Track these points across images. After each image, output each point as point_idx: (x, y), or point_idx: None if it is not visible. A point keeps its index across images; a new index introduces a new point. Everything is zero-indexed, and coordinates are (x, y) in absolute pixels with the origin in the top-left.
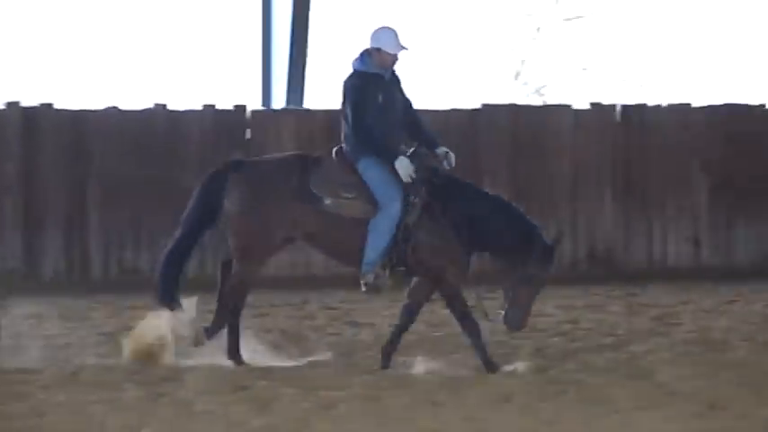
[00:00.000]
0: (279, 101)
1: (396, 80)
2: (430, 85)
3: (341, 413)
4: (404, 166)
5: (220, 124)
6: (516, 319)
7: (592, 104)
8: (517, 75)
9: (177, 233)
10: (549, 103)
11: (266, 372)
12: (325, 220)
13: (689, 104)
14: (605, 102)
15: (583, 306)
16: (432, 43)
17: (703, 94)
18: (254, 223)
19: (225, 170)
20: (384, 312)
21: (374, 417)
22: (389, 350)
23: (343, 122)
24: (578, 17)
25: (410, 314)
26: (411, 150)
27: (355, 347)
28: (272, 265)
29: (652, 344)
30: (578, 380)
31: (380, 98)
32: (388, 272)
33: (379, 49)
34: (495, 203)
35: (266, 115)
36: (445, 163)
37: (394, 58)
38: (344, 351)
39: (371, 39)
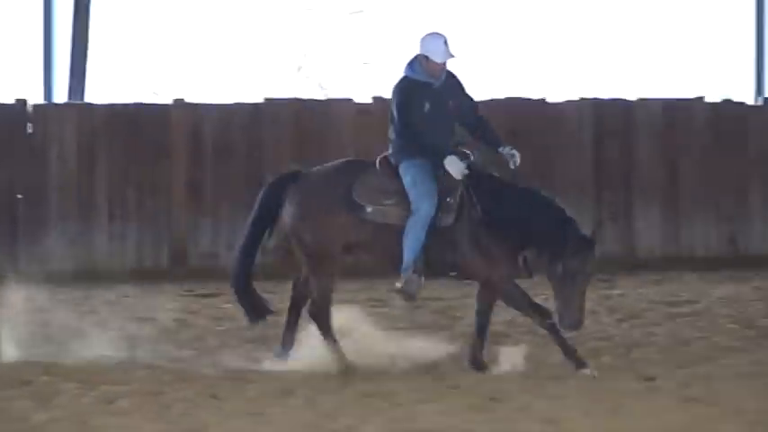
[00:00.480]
0: (61, 95)
1: (451, 85)
2: (213, 80)
3: (122, 408)
4: (455, 164)
5: (1, 118)
6: (571, 320)
7: (374, 98)
8: (299, 68)
9: (245, 233)
10: (332, 96)
11: (49, 367)
12: (370, 229)
13: None
14: (387, 95)
15: (364, 300)
16: (215, 37)
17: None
18: (311, 234)
19: (283, 181)
20: (168, 306)
21: (155, 411)
22: (478, 356)
23: (390, 126)
24: (360, 11)
25: (483, 315)
26: (464, 152)
27: (138, 342)
28: (56, 260)
29: (435, 338)
30: (362, 373)
31: (427, 106)
32: (422, 278)
33: (426, 57)
34: (535, 200)
35: (48, 109)
36: (511, 163)
37: (442, 66)
38: (127, 346)
39: (420, 45)
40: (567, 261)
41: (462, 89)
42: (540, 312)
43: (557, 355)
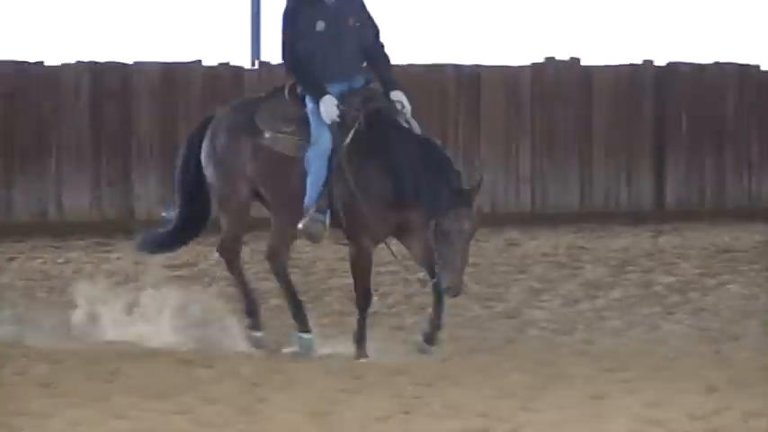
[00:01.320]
0: None
1: (352, 5)
2: None
3: None
4: (327, 106)
5: None
6: (449, 284)
7: None
8: None
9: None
10: None
11: None
12: (269, 160)
13: None
14: None
15: None
16: None
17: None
18: (215, 165)
19: (200, 125)
20: None
21: None
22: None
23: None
24: None
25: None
26: (360, 85)
27: None
28: None
29: None
30: None
31: (321, 25)
32: (327, 217)
33: None
34: (421, 149)
35: None
36: (399, 112)
37: None
38: None
39: None
40: (440, 218)
41: (364, 8)
42: (362, 299)
43: None
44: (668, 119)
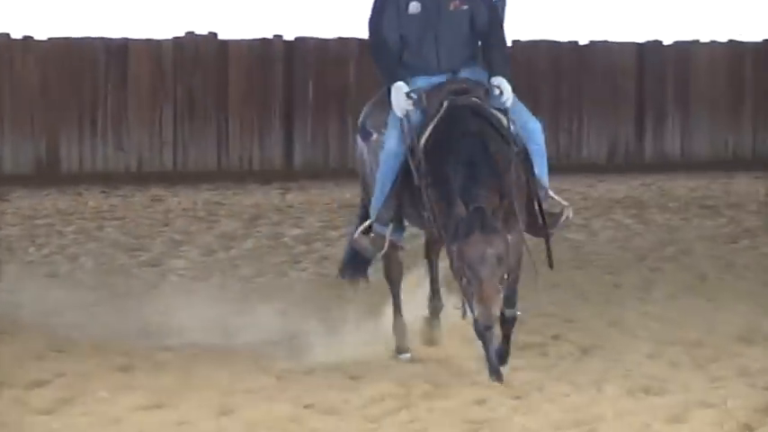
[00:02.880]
0: None
1: None
2: None
3: None
4: (397, 95)
5: None
6: (479, 316)
7: None
8: None
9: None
10: None
11: None
12: (375, 161)
13: None
14: None
15: None
16: None
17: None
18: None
19: None
20: None
21: None
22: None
23: None
24: None
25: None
26: (452, 76)
27: None
28: None
29: None
30: None
31: (415, 6)
32: (389, 231)
33: None
34: (465, 153)
35: None
36: (496, 96)
37: None
38: None
39: None
40: (450, 242)
41: None
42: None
43: None
44: (296, 88)
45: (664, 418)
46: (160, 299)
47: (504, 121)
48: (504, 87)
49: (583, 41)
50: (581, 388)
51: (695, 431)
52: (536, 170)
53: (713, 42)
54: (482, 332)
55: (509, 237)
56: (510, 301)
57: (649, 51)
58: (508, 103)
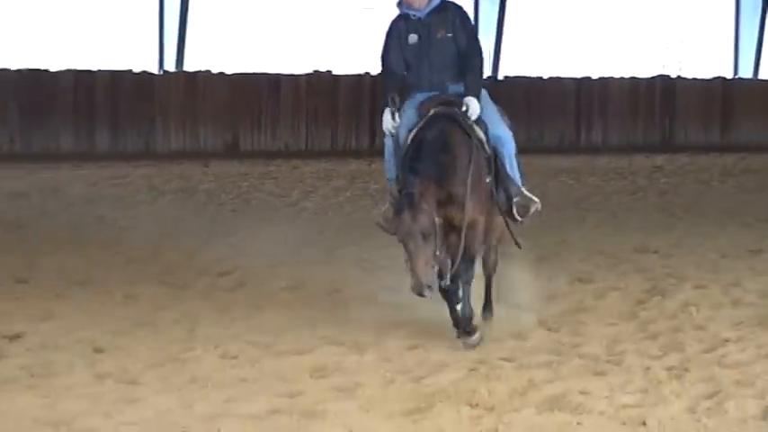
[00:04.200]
0: None
1: (445, 17)
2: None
3: None
4: (384, 119)
5: None
6: (411, 284)
7: None
8: None
9: None
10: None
11: None
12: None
13: None
14: None
15: None
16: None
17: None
18: None
19: None
20: None
21: None
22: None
23: None
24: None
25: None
26: (428, 96)
27: None
28: None
29: None
30: None
31: (413, 38)
32: (394, 187)
33: None
34: (427, 146)
35: None
36: (464, 113)
37: None
38: None
39: None
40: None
41: (461, 23)
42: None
43: None
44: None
45: (592, 296)
46: (296, 229)
47: (476, 128)
48: (471, 105)
49: (545, 77)
50: (539, 279)
51: (610, 304)
52: (508, 170)
53: (621, 78)
54: (443, 294)
55: (436, 219)
56: (465, 269)
57: (584, 83)
58: (473, 117)
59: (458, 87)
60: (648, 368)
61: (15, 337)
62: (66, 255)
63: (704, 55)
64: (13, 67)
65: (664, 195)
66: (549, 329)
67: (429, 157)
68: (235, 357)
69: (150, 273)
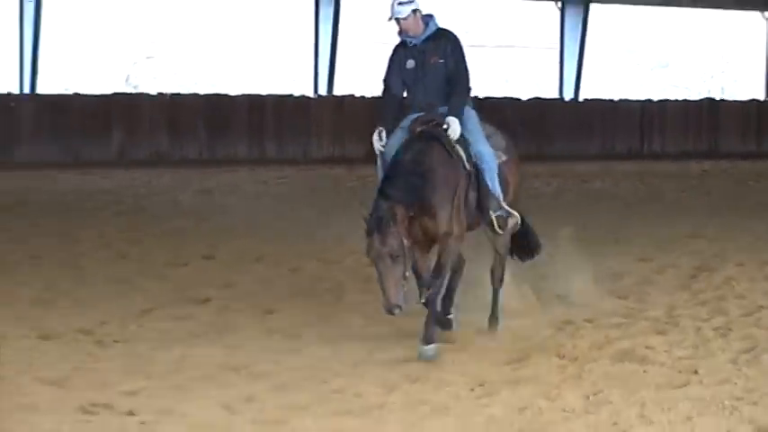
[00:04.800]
0: None
1: (438, 44)
2: None
3: None
4: (374, 140)
5: None
6: (382, 303)
7: None
8: None
9: None
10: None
11: None
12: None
13: None
14: None
15: None
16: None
17: None
18: None
19: None
20: None
21: None
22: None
23: None
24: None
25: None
26: (413, 118)
27: None
28: None
29: None
30: None
31: (410, 63)
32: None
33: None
34: (404, 165)
35: None
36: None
37: (402, 26)
38: None
39: None
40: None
41: (452, 49)
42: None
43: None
44: None
45: (653, 272)
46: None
47: (456, 146)
48: (452, 125)
49: (615, 99)
50: (611, 259)
51: (668, 278)
52: (489, 184)
53: (676, 100)
54: (426, 305)
55: (404, 241)
56: (434, 282)
57: (647, 104)
58: (454, 136)
59: (442, 108)
60: (699, 328)
61: (204, 301)
62: (242, 238)
63: (742, 81)
64: (201, 92)
65: (710, 193)
66: (620, 297)
67: (401, 177)
68: (376, 318)
69: (309, 252)
